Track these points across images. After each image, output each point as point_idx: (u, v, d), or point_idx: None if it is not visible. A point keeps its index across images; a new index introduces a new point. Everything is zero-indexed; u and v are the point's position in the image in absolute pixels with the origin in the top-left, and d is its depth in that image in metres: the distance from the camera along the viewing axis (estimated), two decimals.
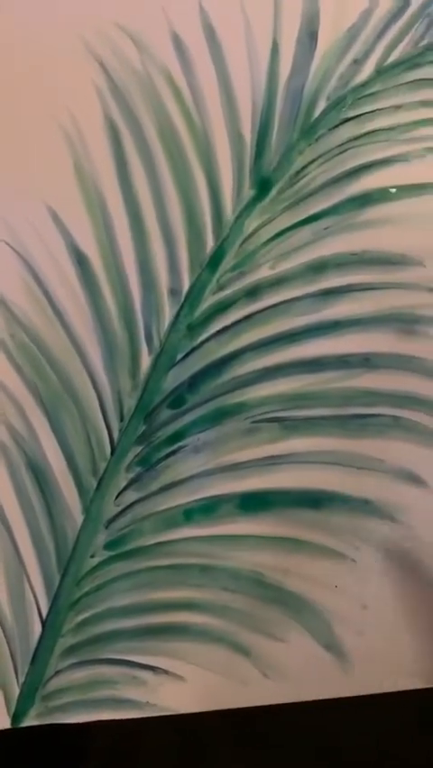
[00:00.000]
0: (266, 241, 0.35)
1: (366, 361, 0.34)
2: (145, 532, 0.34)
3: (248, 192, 0.35)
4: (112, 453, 0.34)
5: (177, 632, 0.34)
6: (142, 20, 0.35)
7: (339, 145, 0.35)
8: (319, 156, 0.35)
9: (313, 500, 0.34)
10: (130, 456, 0.34)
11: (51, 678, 0.34)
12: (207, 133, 0.35)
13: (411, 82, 0.35)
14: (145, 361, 0.35)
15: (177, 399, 0.34)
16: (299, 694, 0.34)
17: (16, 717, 0.33)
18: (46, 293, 0.34)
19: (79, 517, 0.34)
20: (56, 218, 0.35)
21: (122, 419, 0.34)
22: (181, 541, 0.34)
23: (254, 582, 0.34)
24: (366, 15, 0.35)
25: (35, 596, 0.34)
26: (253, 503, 0.34)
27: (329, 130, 0.35)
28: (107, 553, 0.34)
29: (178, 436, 0.34)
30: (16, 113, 0.35)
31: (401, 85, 0.35)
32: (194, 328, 0.35)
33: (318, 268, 0.35)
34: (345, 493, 0.34)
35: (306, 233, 0.35)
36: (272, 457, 0.34)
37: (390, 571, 0.34)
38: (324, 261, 0.35)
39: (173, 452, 0.34)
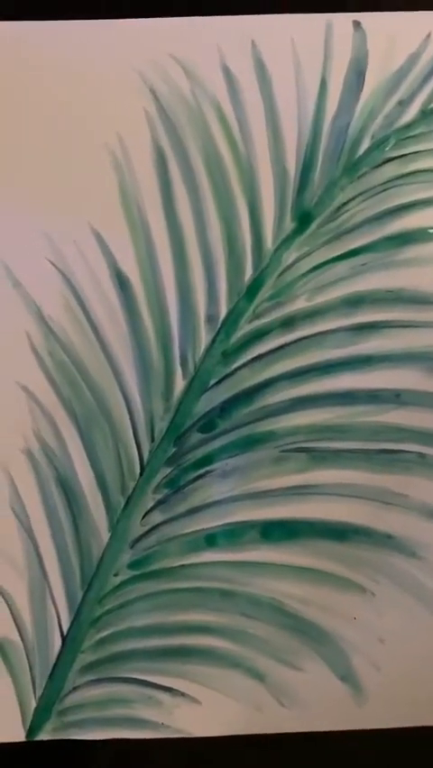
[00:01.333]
0: (304, 273, 0.36)
1: (397, 398, 0.35)
2: (169, 553, 0.35)
3: (289, 224, 0.36)
4: (141, 474, 0.35)
5: (195, 655, 0.34)
6: (195, 52, 0.36)
7: (381, 184, 0.36)
8: (361, 193, 0.36)
9: (336, 532, 0.35)
10: (159, 477, 0.35)
11: (69, 693, 0.34)
12: (251, 164, 0.36)
13: None
14: (179, 384, 0.35)
15: (208, 424, 0.35)
16: (312, 724, 0.34)
17: (31, 731, 0.34)
18: (86, 312, 0.35)
19: (105, 535, 0.35)
20: (99, 239, 0.35)
21: (153, 440, 0.35)
22: (204, 565, 0.35)
23: (274, 610, 0.34)
24: (414, 59, 0.36)
25: (57, 611, 0.34)
26: (277, 531, 0.34)
27: (372, 168, 0.36)
28: (131, 573, 0.34)
29: (206, 460, 0.35)
30: (68, 135, 0.36)
31: None
32: (229, 355, 0.35)
33: (354, 302, 0.35)
34: (368, 526, 0.35)
35: (343, 267, 0.36)
36: (299, 487, 0.35)
37: (409, 606, 0.34)
38: (360, 296, 0.35)
39: (201, 476, 0.35)
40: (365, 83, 0.36)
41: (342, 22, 0.36)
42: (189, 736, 0.34)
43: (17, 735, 0.34)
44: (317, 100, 0.36)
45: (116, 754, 0.34)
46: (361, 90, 0.36)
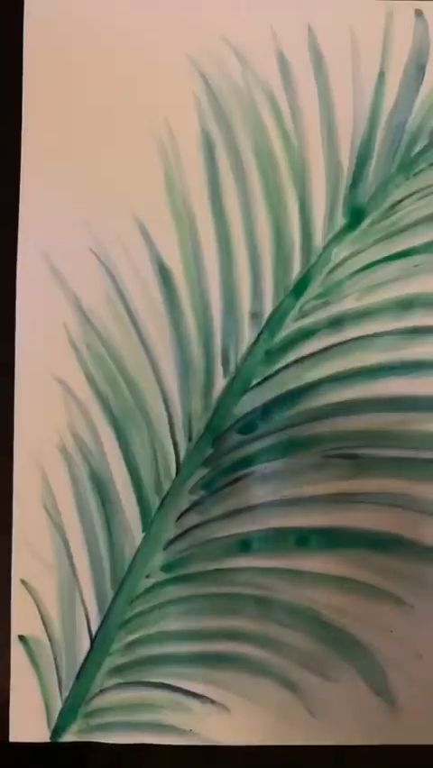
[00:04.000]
0: (354, 272, 0.35)
1: None
2: (204, 557, 0.34)
3: (340, 220, 0.35)
4: (177, 474, 0.34)
5: (227, 662, 0.34)
6: (248, 36, 0.35)
7: None
8: (416, 191, 0.35)
9: (377, 542, 0.34)
10: (195, 478, 0.34)
11: (96, 696, 0.34)
12: (303, 156, 0.35)
13: None
14: (220, 383, 0.35)
15: (248, 425, 0.34)
16: (344, 737, 0.34)
17: (56, 732, 0.34)
18: (126, 306, 0.35)
19: (139, 535, 0.34)
20: (143, 231, 0.35)
21: (190, 440, 0.34)
22: (239, 570, 0.34)
23: (310, 619, 0.34)
24: None
25: (86, 611, 0.34)
26: (316, 539, 0.34)
27: (429, 166, 0.35)
28: (164, 575, 0.34)
29: (245, 463, 0.34)
30: (113, 119, 0.35)
31: None
32: (272, 354, 0.35)
33: (405, 305, 0.35)
34: (410, 538, 0.34)
35: (395, 267, 0.35)
36: (340, 494, 0.34)
37: None
38: (411, 299, 0.35)
39: (239, 479, 0.34)
40: (426, 76, 0.35)
41: (403, 10, 0.35)
42: (217, 744, 0.33)
43: (42, 735, 0.34)
44: (374, 93, 0.35)
45: (142, 760, 0.34)
46: (421, 84, 0.35)
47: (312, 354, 0.35)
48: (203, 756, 0.34)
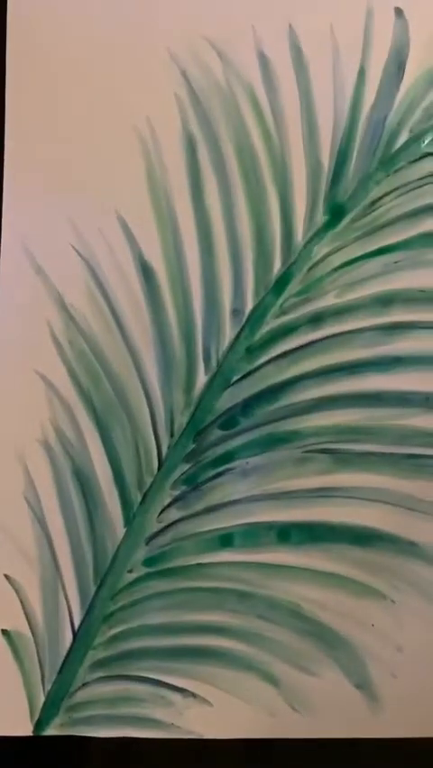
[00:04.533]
0: (334, 268, 0.35)
1: (426, 401, 0.34)
2: (185, 552, 0.34)
3: (321, 218, 0.35)
4: (159, 469, 0.35)
5: (208, 656, 0.34)
6: (229, 35, 0.36)
7: (418, 179, 0.35)
8: (396, 188, 0.35)
9: (358, 537, 0.34)
10: (177, 473, 0.35)
11: (78, 689, 0.34)
12: (284, 154, 0.35)
13: None
14: (201, 379, 0.35)
15: (229, 421, 0.35)
16: (325, 731, 0.34)
17: (39, 726, 0.34)
18: (108, 302, 0.35)
19: (121, 530, 0.34)
20: (125, 227, 0.35)
21: (172, 435, 0.35)
22: (221, 564, 0.34)
23: (291, 613, 0.34)
24: None
25: (69, 605, 0.34)
26: (298, 534, 0.34)
27: (409, 163, 0.35)
28: (145, 570, 0.34)
29: (226, 458, 0.35)
30: (95, 117, 0.35)
31: None
32: (253, 351, 0.35)
33: (385, 301, 0.35)
34: (391, 533, 0.34)
35: (376, 264, 0.35)
36: (321, 489, 0.34)
37: (429, 615, 0.34)
38: (391, 295, 0.35)
39: (220, 474, 0.35)
40: (405, 74, 0.35)
41: (383, 8, 0.36)
42: (200, 737, 0.34)
43: (24, 728, 0.34)
44: (354, 90, 0.35)
45: (124, 753, 0.34)
46: (401, 81, 0.35)
47: (293, 350, 0.35)
48: (186, 750, 0.34)
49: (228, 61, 0.36)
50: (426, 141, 0.35)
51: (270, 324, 0.35)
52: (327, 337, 0.35)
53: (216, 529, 0.35)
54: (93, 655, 0.34)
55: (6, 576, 0.34)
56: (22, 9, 0.36)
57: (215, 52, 0.36)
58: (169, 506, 0.35)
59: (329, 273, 0.35)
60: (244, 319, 0.35)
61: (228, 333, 0.35)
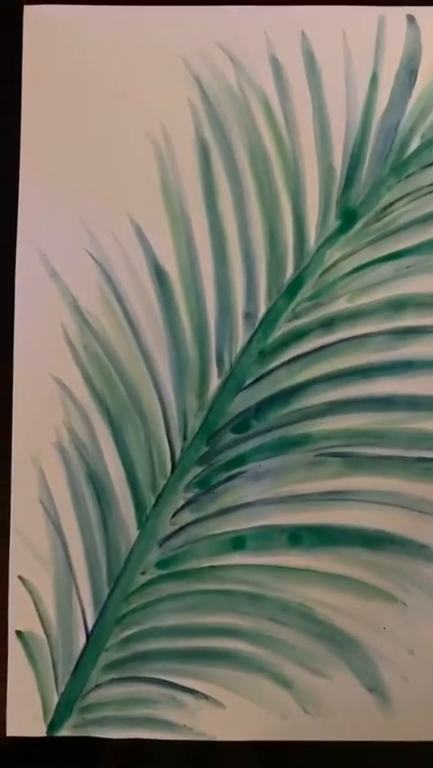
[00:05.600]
0: (347, 273, 0.36)
1: None
2: (198, 554, 0.35)
3: (333, 223, 0.36)
4: (172, 471, 0.35)
5: (221, 658, 0.34)
6: (242, 41, 0.36)
7: (430, 184, 0.36)
8: (408, 194, 0.36)
9: (369, 540, 0.35)
10: (190, 476, 0.35)
11: (91, 691, 0.34)
12: (297, 159, 0.36)
13: None
14: (214, 382, 0.35)
15: (242, 424, 0.35)
16: (337, 733, 0.34)
17: (52, 726, 0.34)
18: (123, 306, 0.35)
19: (134, 533, 0.35)
20: (139, 232, 0.35)
21: (185, 438, 0.35)
22: (233, 567, 0.35)
23: (303, 616, 0.34)
24: None
25: (82, 607, 0.35)
26: (309, 537, 0.35)
27: (421, 168, 0.36)
28: (158, 572, 0.35)
29: (239, 461, 0.35)
30: (110, 122, 0.36)
31: None
32: (266, 354, 0.35)
33: (397, 305, 0.35)
34: (402, 535, 0.35)
35: (388, 269, 0.35)
36: (333, 492, 0.35)
37: None
38: (403, 300, 0.35)
39: (233, 477, 0.35)
40: (417, 80, 0.36)
41: (395, 15, 0.36)
42: (212, 739, 0.34)
43: (38, 729, 0.34)
44: (367, 96, 0.36)
45: (136, 754, 0.34)
46: (413, 87, 0.36)
47: (305, 354, 0.35)
48: (198, 752, 0.34)
49: (241, 67, 0.36)
50: None
51: (282, 328, 0.36)
52: (340, 341, 0.35)
53: (229, 532, 0.35)
54: (106, 657, 0.35)
55: (20, 577, 0.35)
56: (38, 16, 0.36)
57: (228, 58, 0.36)
58: (182, 508, 0.35)
59: (342, 278, 0.36)
60: (257, 323, 0.36)
61: (241, 336, 0.36)
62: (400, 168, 0.36)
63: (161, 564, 0.35)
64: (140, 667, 0.34)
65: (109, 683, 0.35)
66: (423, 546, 0.35)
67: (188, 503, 0.35)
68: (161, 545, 0.35)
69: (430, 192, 0.36)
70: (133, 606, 0.35)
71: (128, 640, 0.35)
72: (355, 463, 0.35)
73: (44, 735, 0.34)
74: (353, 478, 0.35)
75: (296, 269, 0.36)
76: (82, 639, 0.35)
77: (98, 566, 0.35)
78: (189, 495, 0.35)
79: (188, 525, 0.35)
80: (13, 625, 0.34)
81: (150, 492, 0.35)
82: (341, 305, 0.36)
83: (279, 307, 0.36)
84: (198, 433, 0.35)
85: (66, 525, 0.35)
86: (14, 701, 0.34)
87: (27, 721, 0.34)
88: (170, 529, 0.35)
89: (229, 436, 0.35)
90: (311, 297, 0.36)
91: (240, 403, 0.35)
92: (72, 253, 0.35)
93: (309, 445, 0.35)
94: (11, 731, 0.34)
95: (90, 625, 0.35)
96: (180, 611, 0.35)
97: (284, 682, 0.34)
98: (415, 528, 0.35)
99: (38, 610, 0.34)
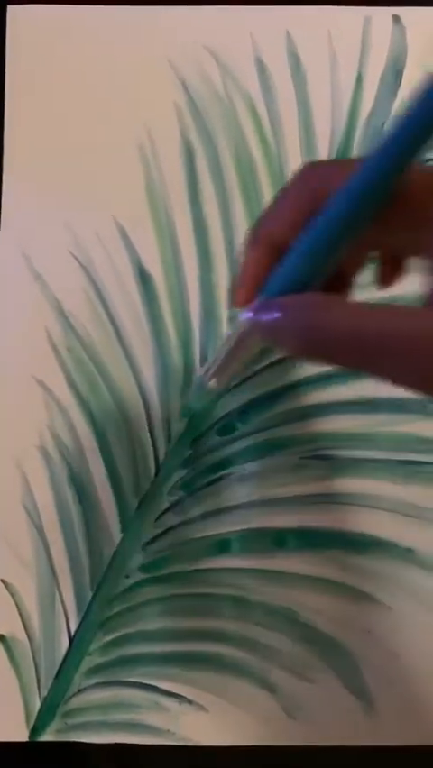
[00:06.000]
0: None
1: (423, 408, 0.35)
2: (182, 557, 0.35)
3: None
4: (156, 474, 0.35)
5: (204, 662, 0.34)
6: (228, 42, 0.36)
7: None
8: None
9: (354, 543, 0.34)
10: (174, 479, 0.35)
11: (74, 695, 0.34)
12: (282, 161, 0.36)
13: None
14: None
15: (226, 427, 0.35)
16: (322, 737, 0.34)
17: (35, 731, 0.34)
18: (107, 309, 0.35)
19: (117, 536, 0.35)
20: (124, 235, 0.35)
21: (169, 441, 0.35)
22: (217, 570, 0.35)
23: (287, 620, 0.34)
24: None
25: (65, 611, 0.34)
26: (294, 540, 0.34)
27: None
28: (142, 576, 0.35)
29: (223, 464, 0.35)
30: (94, 124, 0.36)
31: None
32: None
33: None
34: (387, 539, 0.34)
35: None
36: (318, 495, 0.35)
37: (425, 622, 0.34)
38: (390, 301, 0.35)
39: (217, 480, 0.35)
40: (403, 81, 0.36)
41: (381, 15, 0.36)
42: (195, 744, 0.34)
43: (20, 734, 0.34)
44: (352, 97, 0.36)
45: (120, 759, 0.34)
46: (398, 88, 0.36)
47: (289, 357, 0.35)
48: (182, 756, 0.34)
49: (226, 69, 0.36)
50: None
51: None
52: None
53: (213, 535, 0.35)
54: (89, 661, 0.34)
55: (3, 581, 0.34)
56: (21, 16, 0.36)
57: (213, 60, 0.36)
58: (166, 511, 0.35)
59: None
60: None
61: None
62: None
63: (144, 568, 0.35)
64: (123, 671, 0.34)
65: (92, 688, 0.34)
66: (409, 550, 0.34)
67: (172, 506, 0.35)
68: (144, 549, 0.35)
69: None
70: (116, 610, 0.35)
71: (111, 644, 0.34)
72: (340, 466, 0.35)
73: (27, 740, 0.34)
74: (338, 480, 0.35)
75: None
76: (65, 643, 0.34)
77: (81, 570, 0.35)
78: (173, 498, 0.35)
79: (172, 528, 0.35)
80: None
81: (133, 495, 0.35)
82: None
83: None
84: (182, 435, 0.35)
85: (49, 528, 0.35)
86: None
87: (9, 726, 0.34)
88: (153, 532, 0.35)
89: (214, 439, 0.35)
90: None
91: (224, 405, 0.35)
92: (56, 256, 0.35)
93: (294, 448, 0.35)
94: None
95: (73, 629, 0.34)
96: (164, 615, 0.34)
97: (268, 686, 0.34)
98: (400, 531, 0.35)
99: (20, 614, 0.34)
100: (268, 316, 0.21)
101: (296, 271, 0.21)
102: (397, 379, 0.19)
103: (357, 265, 0.24)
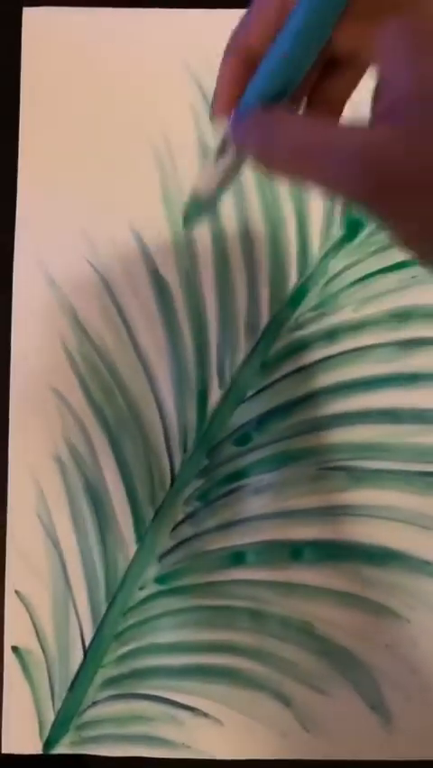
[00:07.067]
0: (351, 283, 0.35)
1: None
2: (198, 569, 0.34)
3: (337, 232, 0.35)
4: (171, 485, 0.35)
5: (220, 675, 0.34)
6: None
7: None
8: None
9: (372, 555, 0.34)
10: (189, 490, 0.35)
11: (88, 708, 0.34)
12: None
13: None
14: (215, 394, 0.35)
15: (243, 437, 0.35)
16: (337, 751, 0.34)
17: (48, 744, 0.34)
18: (122, 316, 0.35)
19: (133, 547, 0.34)
20: (139, 241, 0.35)
21: (185, 451, 0.35)
22: (233, 582, 0.34)
23: (304, 632, 0.34)
24: None
25: (80, 622, 0.34)
26: (311, 552, 0.34)
27: None
28: (157, 587, 0.34)
29: (240, 475, 0.35)
30: (111, 130, 0.36)
31: None
32: (268, 366, 0.35)
33: (402, 316, 0.35)
34: (406, 551, 0.34)
35: (392, 279, 0.35)
36: (335, 507, 0.34)
37: None
38: (408, 311, 0.35)
39: (234, 491, 0.35)
40: None
41: None
42: (210, 757, 0.34)
43: (34, 747, 0.34)
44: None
45: None
46: None
47: (308, 366, 0.35)
48: None
49: None
50: None
51: (285, 339, 0.35)
52: (343, 353, 0.35)
53: (229, 546, 0.34)
54: (103, 673, 0.34)
55: (17, 592, 0.34)
56: (37, 18, 0.36)
57: None
58: (181, 522, 0.35)
59: (345, 288, 0.35)
60: (259, 333, 0.35)
61: (243, 347, 0.35)
62: None
63: (159, 580, 0.34)
64: (138, 684, 0.34)
65: (106, 700, 0.34)
66: (427, 563, 0.34)
67: (188, 517, 0.35)
68: (159, 560, 0.35)
69: None
70: (131, 621, 0.34)
71: (126, 656, 0.34)
72: (359, 477, 0.34)
73: (40, 752, 0.34)
74: (356, 492, 0.34)
75: (299, 278, 0.35)
76: (79, 655, 0.34)
77: (96, 581, 0.34)
78: (189, 509, 0.35)
79: (187, 539, 0.35)
80: (10, 640, 0.34)
81: (149, 506, 0.35)
82: (345, 315, 0.35)
83: (281, 318, 0.35)
84: (198, 445, 0.35)
85: (63, 539, 0.34)
86: (10, 718, 0.34)
87: (23, 738, 0.34)
88: (169, 544, 0.35)
89: (230, 449, 0.35)
90: (315, 308, 0.35)
91: (241, 415, 0.35)
92: (72, 263, 0.35)
93: (312, 459, 0.35)
94: (6, 748, 0.34)
95: (88, 640, 0.34)
96: (179, 627, 0.34)
97: (284, 700, 0.34)
98: (419, 544, 0.34)
99: (35, 625, 0.34)
100: (237, 129, 0.23)
101: (267, 80, 0.22)
102: (337, 188, 0.20)
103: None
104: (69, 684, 0.34)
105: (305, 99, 0.24)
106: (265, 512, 0.35)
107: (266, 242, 0.35)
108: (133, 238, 0.35)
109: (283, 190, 0.35)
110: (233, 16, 0.36)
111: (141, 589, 0.34)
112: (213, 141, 0.34)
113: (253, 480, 0.35)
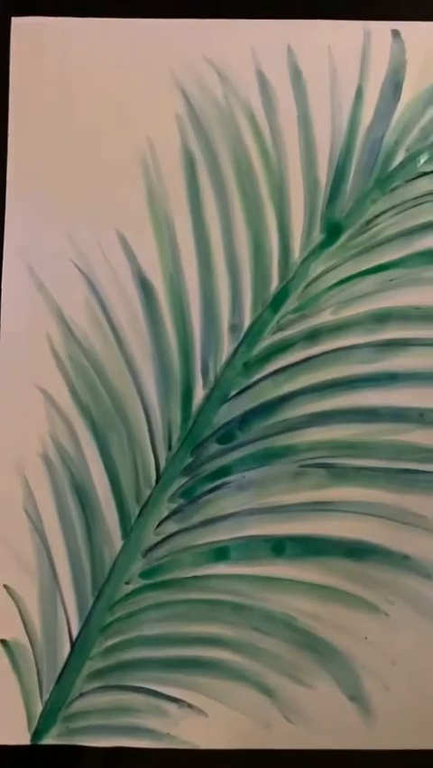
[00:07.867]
0: (331, 286, 0.36)
1: (421, 417, 0.35)
2: (182, 564, 0.35)
3: (318, 236, 0.36)
4: (157, 482, 0.36)
5: (204, 667, 0.35)
6: (229, 55, 0.37)
7: (414, 198, 0.36)
8: (393, 207, 0.36)
9: (352, 550, 0.35)
10: (174, 486, 0.36)
11: (75, 699, 0.35)
12: (282, 173, 0.36)
13: None
14: (199, 393, 0.36)
15: (226, 435, 0.36)
16: (319, 742, 0.35)
17: (36, 735, 0.35)
18: (108, 317, 0.36)
19: (118, 542, 0.35)
20: (125, 244, 0.36)
21: (170, 449, 0.36)
22: (217, 577, 0.35)
23: (286, 626, 0.35)
24: None
25: (67, 616, 0.35)
26: (292, 547, 0.35)
27: (405, 182, 0.36)
28: (142, 582, 0.35)
29: (224, 472, 0.36)
30: (97, 136, 0.36)
31: None
32: (250, 366, 0.36)
33: (381, 318, 0.36)
34: (385, 546, 0.35)
35: (371, 282, 0.36)
36: (316, 503, 0.35)
37: (422, 628, 0.35)
38: (387, 312, 0.36)
39: (217, 488, 0.36)
40: (402, 94, 0.37)
41: (380, 30, 0.37)
42: (195, 747, 0.35)
43: (22, 738, 0.35)
44: (351, 109, 0.36)
45: (120, 762, 0.35)
46: (397, 101, 0.36)
47: (289, 366, 0.36)
48: (181, 760, 0.35)
49: (228, 81, 0.37)
50: (422, 161, 0.36)
51: (267, 340, 0.36)
52: (324, 353, 0.36)
53: (213, 542, 0.35)
54: (90, 666, 0.35)
55: (6, 586, 0.35)
56: (25, 28, 0.37)
57: (215, 72, 0.37)
58: (166, 518, 0.36)
59: (326, 290, 0.36)
60: (242, 335, 0.36)
61: (226, 348, 0.36)
62: (384, 181, 0.36)
63: (145, 574, 0.35)
64: (124, 676, 0.35)
65: (93, 692, 0.35)
66: (406, 557, 0.35)
67: (173, 513, 0.36)
68: (145, 555, 0.35)
69: (414, 206, 0.36)
70: (117, 615, 0.35)
71: (112, 649, 0.35)
72: (339, 474, 0.35)
73: (28, 743, 0.35)
74: (336, 489, 0.35)
75: (281, 281, 0.36)
76: (66, 648, 0.35)
77: (83, 575, 0.35)
78: (174, 505, 0.36)
79: (172, 535, 0.36)
80: None
81: (134, 502, 0.36)
82: (325, 317, 0.36)
83: (264, 319, 0.36)
84: (182, 443, 0.36)
85: (50, 534, 0.35)
86: None
87: (11, 729, 0.35)
88: (154, 539, 0.36)
89: (214, 447, 0.36)
90: (296, 310, 0.36)
91: (225, 414, 0.36)
92: (58, 265, 0.36)
93: (293, 456, 0.36)
94: None
95: (75, 633, 0.35)
96: (164, 621, 0.35)
97: (267, 691, 0.35)
98: (398, 539, 0.35)
99: (22, 619, 0.35)
100: None
101: None
102: None
103: None
104: (56, 676, 0.35)
105: None
106: (248, 508, 0.36)
107: (248, 246, 0.36)
108: (118, 241, 0.36)
109: (265, 195, 0.36)
110: (218, 26, 0.37)
111: (127, 583, 0.35)
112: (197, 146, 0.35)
113: (237, 477, 0.36)
